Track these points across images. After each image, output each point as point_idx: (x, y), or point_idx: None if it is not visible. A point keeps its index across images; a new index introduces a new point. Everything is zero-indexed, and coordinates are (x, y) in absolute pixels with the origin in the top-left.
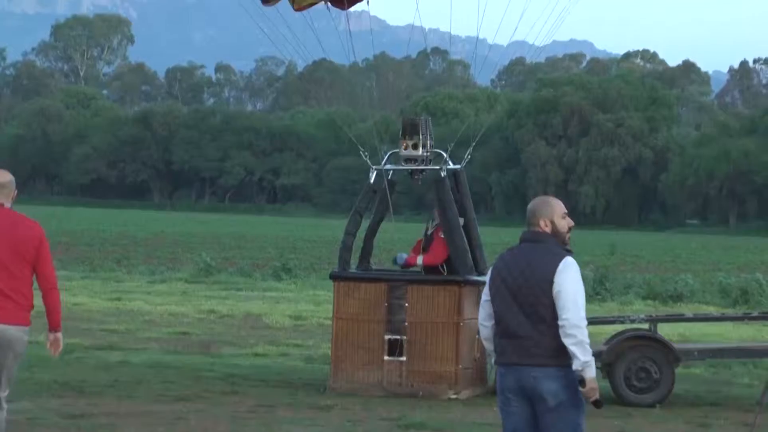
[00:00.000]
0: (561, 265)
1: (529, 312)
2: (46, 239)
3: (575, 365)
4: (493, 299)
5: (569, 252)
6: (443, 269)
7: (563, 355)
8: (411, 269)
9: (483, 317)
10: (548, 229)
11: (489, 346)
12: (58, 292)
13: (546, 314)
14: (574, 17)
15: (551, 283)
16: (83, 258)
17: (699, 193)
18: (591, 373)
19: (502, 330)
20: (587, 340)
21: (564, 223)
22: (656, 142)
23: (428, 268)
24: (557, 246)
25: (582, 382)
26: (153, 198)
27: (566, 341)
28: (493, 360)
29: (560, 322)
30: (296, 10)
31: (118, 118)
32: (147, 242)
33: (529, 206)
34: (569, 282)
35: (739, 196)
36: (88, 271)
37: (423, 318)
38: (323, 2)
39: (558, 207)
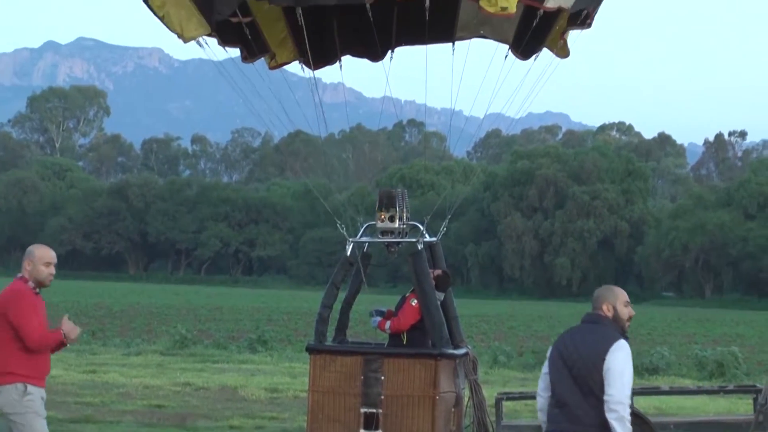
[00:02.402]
0: (614, 346)
1: (581, 384)
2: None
3: None
4: (551, 372)
5: (625, 336)
6: (403, 338)
7: (607, 428)
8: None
9: (541, 388)
10: (610, 314)
11: (542, 416)
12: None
13: (595, 388)
14: (549, 90)
15: (603, 360)
16: None
17: (674, 265)
18: None
19: (555, 400)
20: (628, 417)
21: (626, 311)
22: (632, 215)
23: (393, 335)
24: (614, 329)
25: None
26: (128, 270)
27: (608, 415)
28: (543, 429)
29: (605, 397)
30: (271, 68)
31: (94, 190)
32: (122, 314)
33: (596, 292)
34: (619, 361)
35: (714, 268)
36: None
37: (399, 391)
38: (297, 61)
39: (621, 295)
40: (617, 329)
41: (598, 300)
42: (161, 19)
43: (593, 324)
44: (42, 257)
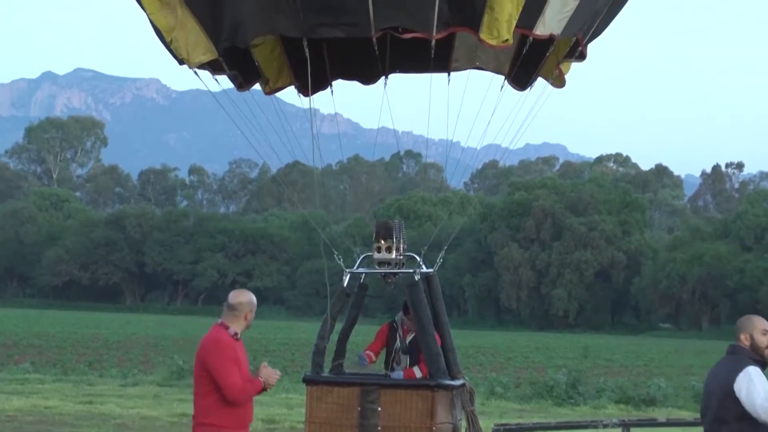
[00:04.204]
0: (740, 374)
1: (716, 413)
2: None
3: None
4: (701, 406)
5: (760, 363)
6: None
7: None
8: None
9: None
10: (747, 343)
11: None
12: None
13: (726, 416)
14: (547, 121)
15: (731, 389)
16: (55, 361)
17: (671, 297)
18: None
19: (704, 429)
20: None
21: (764, 339)
22: (629, 246)
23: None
24: (747, 358)
25: None
26: (125, 300)
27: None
28: None
29: (755, 415)
30: (266, 93)
31: (91, 221)
32: (119, 345)
33: (737, 322)
34: (747, 384)
35: (711, 299)
36: (60, 374)
37: (396, 422)
38: (293, 86)
39: (759, 324)
40: (753, 357)
41: (737, 331)
42: (168, 43)
43: (730, 355)
44: (254, 303)
